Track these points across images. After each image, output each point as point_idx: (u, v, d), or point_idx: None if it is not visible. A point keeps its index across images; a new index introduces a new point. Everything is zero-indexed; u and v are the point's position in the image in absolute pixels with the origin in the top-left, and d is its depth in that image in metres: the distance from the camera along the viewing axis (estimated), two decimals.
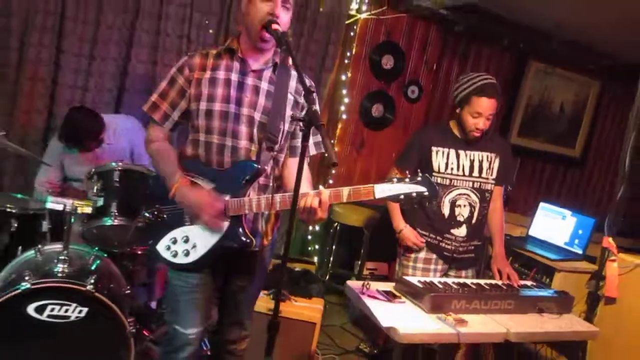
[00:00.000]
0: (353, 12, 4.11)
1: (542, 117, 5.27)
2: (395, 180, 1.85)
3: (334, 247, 4.34)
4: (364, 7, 4.13)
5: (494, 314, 2.31)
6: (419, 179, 1.85)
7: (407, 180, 1.84)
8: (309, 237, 4.35)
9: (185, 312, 2.05)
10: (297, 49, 3.90)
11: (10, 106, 3.27)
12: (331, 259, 4.34)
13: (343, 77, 4.23)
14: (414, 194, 1.84)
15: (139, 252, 2.84)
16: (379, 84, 4.44)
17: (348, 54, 4.21)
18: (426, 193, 1.84)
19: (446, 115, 4.52)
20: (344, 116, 4.30)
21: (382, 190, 1.85)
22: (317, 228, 4.34)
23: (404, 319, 2.08)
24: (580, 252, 3.21)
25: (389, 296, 2.27)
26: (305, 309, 2.97)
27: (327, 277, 4.31)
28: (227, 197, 1.93)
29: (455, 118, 2.69)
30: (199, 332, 2.08)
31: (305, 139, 1.63)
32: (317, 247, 4.38)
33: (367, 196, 1.86)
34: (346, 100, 4.28)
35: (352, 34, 4.18)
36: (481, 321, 2.23)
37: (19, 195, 3.01)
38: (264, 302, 2.78)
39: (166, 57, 3.53)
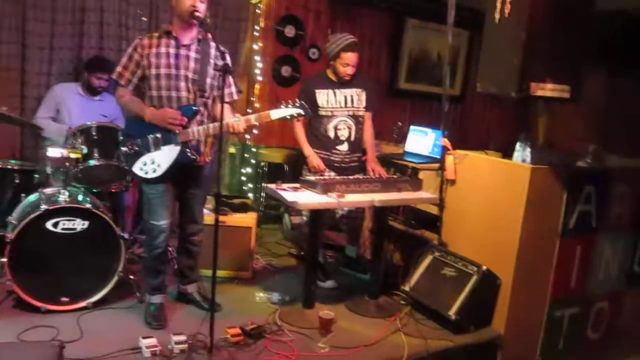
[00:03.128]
0: None
1: (423, 65, 6.45)
2: (283, 106, 2.94)
3: (263, 184, 5.41)
4: None
5: (366, 193, 3.44)
6: (297, 104, 2.94)
7: (289, 105, 2.93)
8: (243, 178, 5.40)
9: (157, 210, 3.07)
10: (215, 27, 4.83)
11: None
12: (262, 193, 5.40)
13: (255, 47, 5.25)
14: (295, 114, 2.93)
15: (113, 190, 3.82)
16: (285, 50, 5.48)
17: (257, 27, 5.22)
18: (303, 112, 2.94)
19: None
20: (260, 78, 5.33)
21: (276, 113, 2.94)
22: (249, 170, 5.40)
23: (303, 198, 3.20)
24: (438, 157, 4.38)
25: (294, 188, 3.38)
26: (242, 218, 3.99)
27: (262, 208, 5.38)
28: (177, 130, 2.96)
29: (331, 68, 3.80)
30: (168, 223, 3.11)
31: (223, 81, 2.66)
32: (250, 185, 5.44)
33: (267, 118, 2.95)
34: (260, 65, 5.30)
35: (257, 11, 5.19)
36: (356, 196, 3.37)
37: (12, 161, 3.91)
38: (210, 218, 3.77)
39: (110, 42, 4.42)
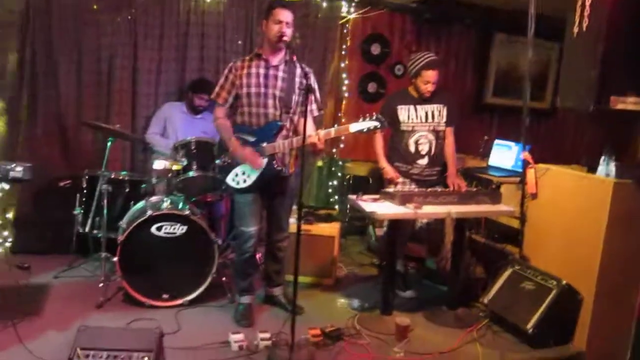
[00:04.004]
0: (344, 14, 5.35)
1: (511, 79, 6.38)
2: (361, 119, 3.13)
3: (349, 196, 5.59)
4: (352, 9, 5.37)
5: (443, 205, 3.55)
6: (374, 117, 3.12)
7: (367, 119, 3.12)
8: (330, 190, 5.63)
9: (246, 217, 3.37)
10: (304, 47, 5.12)
11: (106, 111, 4.64)
12: (348, 205, 5.59)
13: (342, 65, 5.50)
14: (372, 126, 3.11)
15: (209, 200, 4.17)
16: (371, 67, 5.68)
17: (344, 46, 5.46)
18: (379, 125, 3.11)
19: None
20: (347, 94, 5.57)
21: (354, 126, 3.13)
22: (335, 182, 5.62)
23: (382, 208, 3.36)
24: (520, 170, 4.37)
25: (374, 199, 3.55)
26: (326, 227, 4.22)
27: (347, 219, 5.58)
28: (265, 144, 3.24)
29: (412, 85, 3.94)
30: (257, 229, 3.39)
31: (306, 100, 2.91)
32: (336, 197, 5.66)
33: (346, 131, 3.15)
34: (347, 82, 5.54)
35: (345, 30, 5.44)
36: (432, 208, 3.48)
37: (123, 172, 4.37)
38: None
39: (210, 64, 4.83)
